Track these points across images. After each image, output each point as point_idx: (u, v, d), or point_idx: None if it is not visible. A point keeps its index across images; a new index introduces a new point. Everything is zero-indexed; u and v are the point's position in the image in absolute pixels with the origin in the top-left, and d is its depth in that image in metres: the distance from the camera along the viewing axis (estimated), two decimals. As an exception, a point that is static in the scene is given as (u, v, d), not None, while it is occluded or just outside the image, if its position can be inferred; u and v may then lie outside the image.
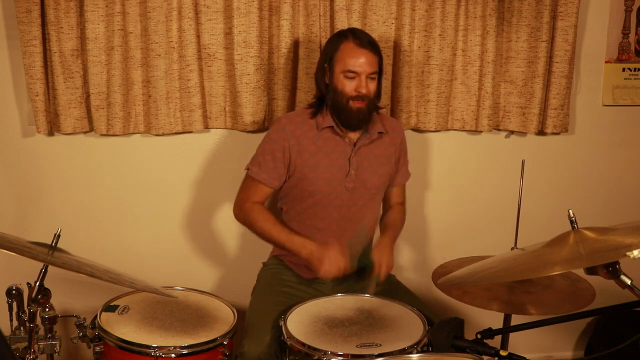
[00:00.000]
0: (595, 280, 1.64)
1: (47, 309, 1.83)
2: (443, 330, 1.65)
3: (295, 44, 2.49)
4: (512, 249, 1.93)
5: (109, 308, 2.09)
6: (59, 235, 1.74)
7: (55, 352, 1.88)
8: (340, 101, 2.16)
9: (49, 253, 1.70)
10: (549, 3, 2.55)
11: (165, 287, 2.15)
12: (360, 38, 2.17)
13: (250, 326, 2.09)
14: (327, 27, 2.49)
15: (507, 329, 1.92)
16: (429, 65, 2.58)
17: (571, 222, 1.61)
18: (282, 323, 1.94)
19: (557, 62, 2.62)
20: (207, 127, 2.56)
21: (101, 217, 2.60)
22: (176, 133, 2.52)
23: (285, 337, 1.88)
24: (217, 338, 1.96)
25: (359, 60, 2.13)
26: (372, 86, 2.17)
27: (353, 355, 1.79)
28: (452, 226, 2.84)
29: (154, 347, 1.89)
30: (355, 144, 2.24)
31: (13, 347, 1.83)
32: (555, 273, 1.89)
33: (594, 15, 2.73)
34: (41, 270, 1.75)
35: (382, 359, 1.73)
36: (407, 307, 2.07)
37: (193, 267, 2.69)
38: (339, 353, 1.79)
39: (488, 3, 2.56)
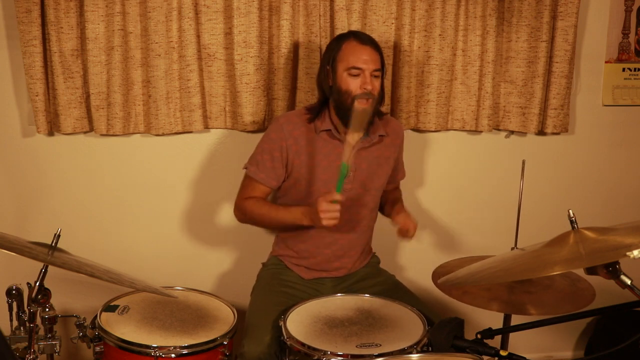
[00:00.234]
0: (595, 280, 1.64)
1: (47, 309, 1.83)
2: (443, 330, 1.65)
3: (295, 44, 2.49)
4: (512, 249, 1.93)
5: (109, 308, 2.09)
6: (59, 235, 1.74)
7: (55, 352, 1.88)
8: (345, 101, 2.15)
9: (49, 253, 1.70)
10: (549, 3, 2.55)
11: (165, 287, 2.15)
12: (362, 37, 2.17)
13: (250, 326, 2.09)
14: (327, 27, 2.49)
15: (507, 329, 1.92)
16: (429, 65, 2.58)
17: (571, 222, 1.61)
18: (282, 323, 1.94)
19: (557, 62, 2.62)
20: (207, 127, 2.56)
21: (101, 217, 2.60)
22: (176, 133, 2.52)
23: (285, 337, 1.89)
24: (217, 338, 1.96)
25: (362, 57, 2.13)
26: (377, 84, 2.17)
27: (353, 355, 1.79)
28: (452, 226, 2.84)
29: (154, 347, 1.89)
30: (353, 147, 2.23)
31: (13, 347, 1.83)
32: (555, 273, 1.89)
33: (594, 15, 2.73)
34: (41, 270, 1.75)
35: (382, 359, 1.73)
36: (407, 307, 2.07)
37: (193, 267, 2.69)
38: (339, 353, 1.79)
39: (488, 3, 2.56)
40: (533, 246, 1.69)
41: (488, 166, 2.81)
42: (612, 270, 1.46)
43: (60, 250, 1.76)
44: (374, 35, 2.35)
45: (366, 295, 2.16)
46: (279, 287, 2.27)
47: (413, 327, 1.95)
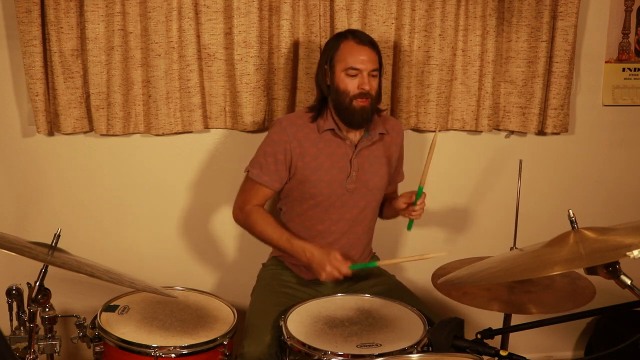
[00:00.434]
0: (595, 279, 1.64)
1: (47, 309, 1.83)
2: (443, 330, 1.65)
3: (295, 44, 2.49)
4: (511, 249, 1.93)
5: (109, 308, 2.09)
6: (59, 235, 1.74)
7: (55, 352, 1.88)
8: (343, 101, 2.16)
9: (49, 253, 1.70)
10: (549, 3, 2.55)
11: (165, 287, 2.15)
12: (360, 37, 2.17)
13: (250, 326, 2.08)
14: (327, 27, 2.49)
15: (507, 329, 1.92)
16: (429, 65, 2.58)
17: (571, 222, 1.61)
18: (282, 323, 1.94)
19: (557, 62, 2.62)
20: (207, 127, 2.56)
21: (101, 217, 2.60)
22: (176, 133, 2.52)
23: (286, 337, 1.88)
24: (217, 338, 1.96)
25: (360, 57, 2.13)
26: (374, 84, 2.17)
27: (353, 355, 1.79)
28: (452, 226, 2.84)
29: (154, 347, 1.89)
30: (356, 146, 2.24)
31: (13, 347, 1.83)
32: (555, 273, 1.89)
33: (594, 15, 2.73)
34: (41, 270, 1.75)
35: (382, 359, 1.73)
36: (407, 307, 2.07)
37: (193, 267, 2.69)
38: (339, 353, 1.79)
39: (488, 3, 2.56)
40: (533, 246, 1.69)
41: (488, 166, 2.81)
42: (612, 270, 1.46)
43: (60, 250, 1.76)
44: (374, 35, 2.35)
45: (366, 295, 2.16)
46: (279, 288, 2.26)
47: (413, 327, 1.95)
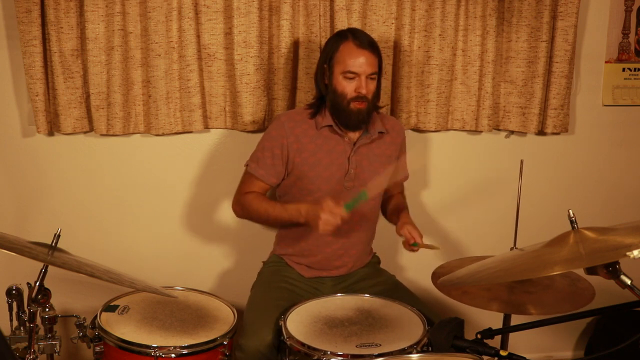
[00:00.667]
0: (595, 280, 1.64)
1: (47, 309, 1.83)
2: (443, 330, 1.65)
3: (295, 44, 2.49)
4: (511, 249, 1.93)
5: (109, 308, 2.09)
6: (59, 235, 1.74)
7: (55, 352, 1.88)
8: (340, 103, 2.17)
9: (49, 253, 1.70)
10: (549, 3, 2.55)
11: (165, 287, 2.15)
12: (360, 38, 2.17)
13: (249, 320, 2.09)
14: (327, 27, 2.49)
15: (507, 329, 1.92)
16: (429, 65, 2.58)
17: (571, 222, 1.61)
18: (282, 323, 1.94)
19: (557, 62, 2.62)
20: (207, 127, 2.56)
21: (101, 217, 2.60)
22: (176, 133, 2.52)
23: (285, 337, 1.89)
24: (217, 338, 1.96)
25: (358, 61, 2.13)
26: (372, 86, 2.18)
27: (353, 355, 1.79)
28: (452, 226, 2.84)
29: (154, 347, 1.89)
30: (355, 144, 2.24)
31: (13, 347, 1.83)
32: (555, 273, 1.89)
33: (594, 15, 2.73)
34: (41, 270, 1.75)
35: (382, 359, 1.73)
36: (407, 307, 2.07)
37: (193, 267, 2.69)
38: (339, 353, 1.79)
39: (488, 3, 2.56)
40: (533, 246, 1.69)
41: (488, 166, 2.81)
42: (612, 270, 1.46)
43: (60, 250, 1.76)
44: (374, 35, 2.35)
45: (366, 295, 2.16)
46: (279, 283, 2.27)
47: (413, 327, 1.95)
